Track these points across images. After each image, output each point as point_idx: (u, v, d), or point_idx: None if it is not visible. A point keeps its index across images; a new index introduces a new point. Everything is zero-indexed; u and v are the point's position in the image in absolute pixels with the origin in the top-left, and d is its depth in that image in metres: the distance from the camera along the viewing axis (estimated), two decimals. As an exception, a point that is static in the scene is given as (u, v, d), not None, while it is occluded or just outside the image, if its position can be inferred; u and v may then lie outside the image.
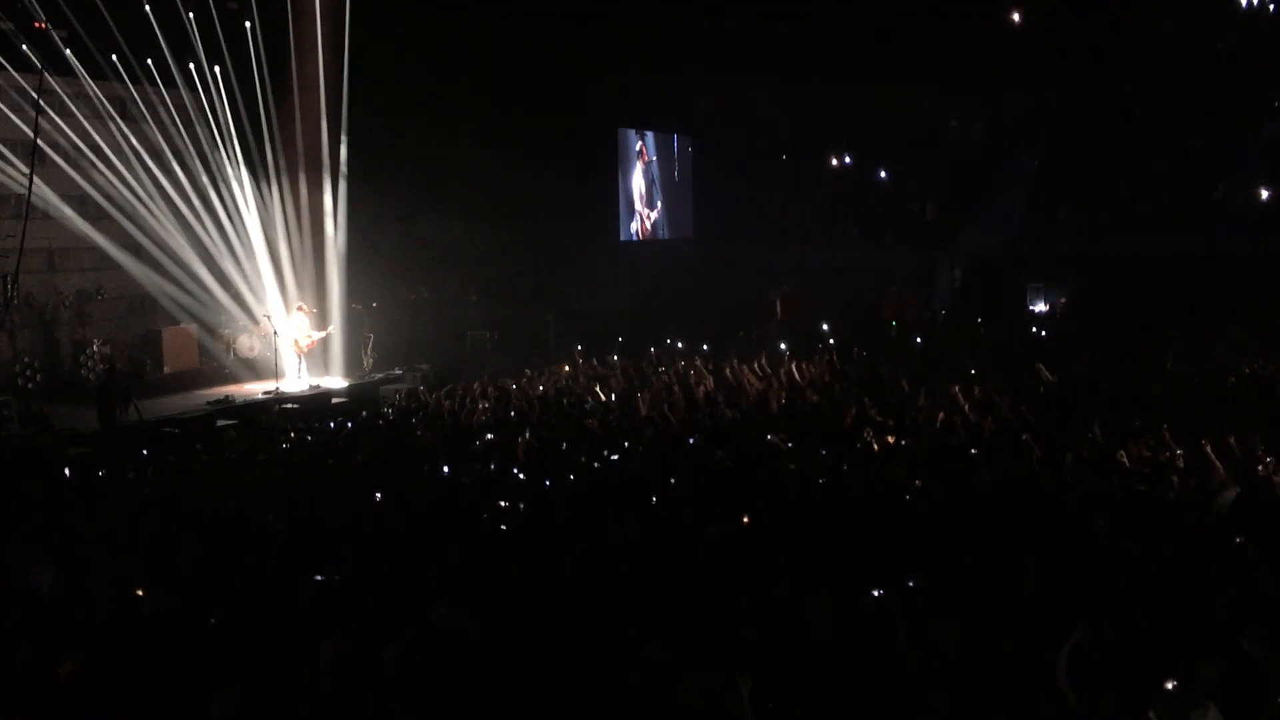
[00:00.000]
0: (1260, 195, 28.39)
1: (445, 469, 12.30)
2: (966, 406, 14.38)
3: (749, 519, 9.62)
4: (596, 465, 12.29)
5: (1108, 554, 8.71)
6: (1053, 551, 8.68)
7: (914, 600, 7.49)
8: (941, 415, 13.62)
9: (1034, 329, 26.92)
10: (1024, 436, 12.30)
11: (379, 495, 11.25)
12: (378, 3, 22.36)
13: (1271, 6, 29.92)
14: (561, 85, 28.17)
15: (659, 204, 34.91)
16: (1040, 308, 30.15)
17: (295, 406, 19.39)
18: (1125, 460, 11.17)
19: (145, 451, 14.96)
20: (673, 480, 11.39)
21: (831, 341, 22.55)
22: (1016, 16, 32.03)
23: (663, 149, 35.27)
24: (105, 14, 19.08)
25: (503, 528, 9.95)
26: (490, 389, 17.96)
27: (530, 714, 6.25)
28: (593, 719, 6.20)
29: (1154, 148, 30.95)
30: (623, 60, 29.33)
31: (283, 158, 22.50)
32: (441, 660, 6.77)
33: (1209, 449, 11.15)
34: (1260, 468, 11.03)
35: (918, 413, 14.25)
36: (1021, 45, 32.04)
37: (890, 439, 12.92)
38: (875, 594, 7.51)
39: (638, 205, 33.75)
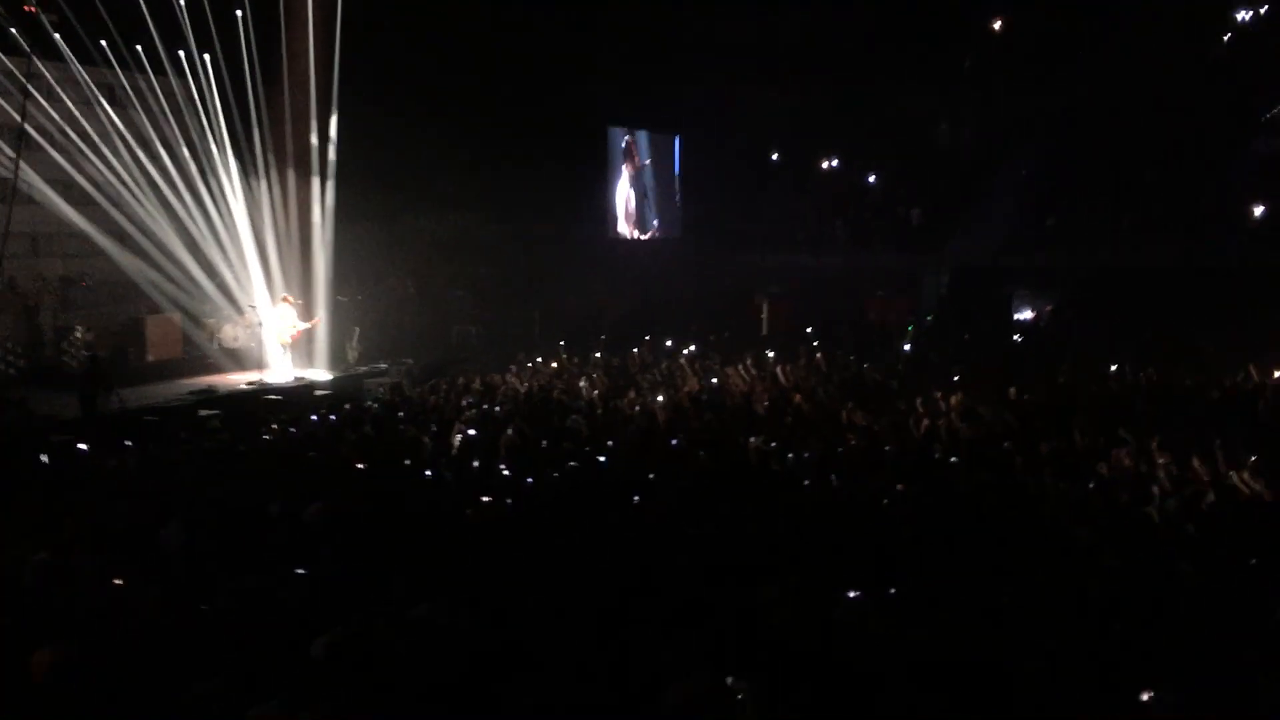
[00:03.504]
0: (1251, 211, 28.45)
1: (428, 464, 12.27)
2: (951, 414, 14.41)
3: (730, 521, 9.61)
4: (579, 464, 12.26)
5: (1087, 563, 8.74)
6: (1032, 560, 8.71)
7: (892, 608, 7.49)
8: (926, 421, 13.66)
9: (1018, 337, 26.99)
10: (1005, 444, 12.35)
11: (361, 489, 11.21)
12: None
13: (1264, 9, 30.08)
14: (552, 83, 28.15)
15: (655, 221, 34.36)
16: (1025, 315, 30.22)
17: (278, 398, 19.31)
18: (1105, 471, 11.22)
19: (128, 442, 14.86)
20: (653, 479, 11.39)
21: (816, 345, 22.55)
22: (998, 25, 32.16)
23: (660, 151, 34.96)
24: (95, -1, 19.02)
25: (485, 524, 9.91)
26: (475, 384, 17.94)
27: (513, 716, 6.22)
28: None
29: (1142, 159, 31.03)
30: (613, 59, 29.30)
31: (271, 147, 22.42)
32: (422, 660, 6.73)
33: (1195, 461, 11.20)
34: (1240, 477, 11.08)
35: (901, 418, 14.28)
36: (1011, 52, 32.10)
37: (873, 444, 12.95)
38: (851, 595, 7.51)
39: (623, 225, 33.24)
